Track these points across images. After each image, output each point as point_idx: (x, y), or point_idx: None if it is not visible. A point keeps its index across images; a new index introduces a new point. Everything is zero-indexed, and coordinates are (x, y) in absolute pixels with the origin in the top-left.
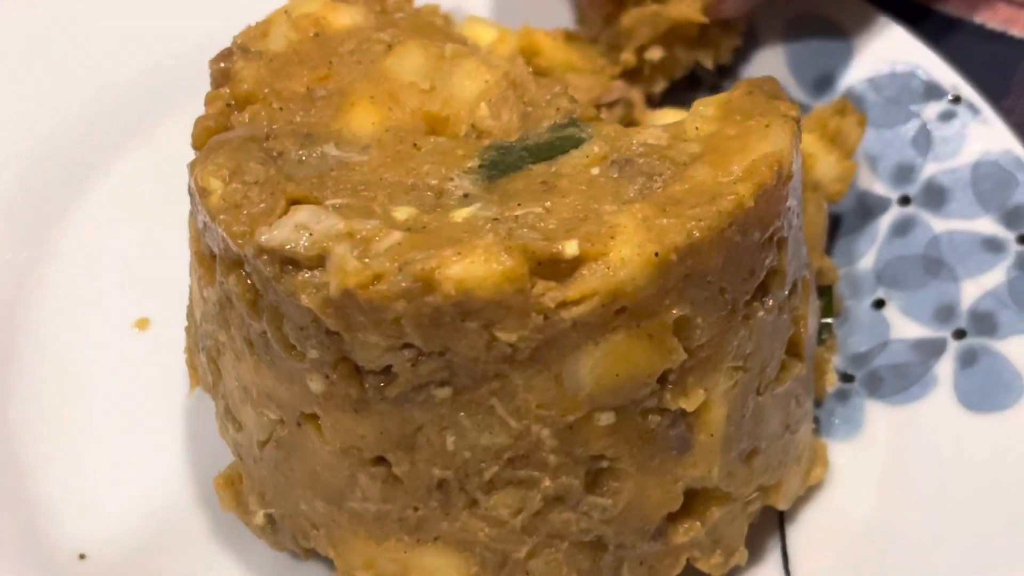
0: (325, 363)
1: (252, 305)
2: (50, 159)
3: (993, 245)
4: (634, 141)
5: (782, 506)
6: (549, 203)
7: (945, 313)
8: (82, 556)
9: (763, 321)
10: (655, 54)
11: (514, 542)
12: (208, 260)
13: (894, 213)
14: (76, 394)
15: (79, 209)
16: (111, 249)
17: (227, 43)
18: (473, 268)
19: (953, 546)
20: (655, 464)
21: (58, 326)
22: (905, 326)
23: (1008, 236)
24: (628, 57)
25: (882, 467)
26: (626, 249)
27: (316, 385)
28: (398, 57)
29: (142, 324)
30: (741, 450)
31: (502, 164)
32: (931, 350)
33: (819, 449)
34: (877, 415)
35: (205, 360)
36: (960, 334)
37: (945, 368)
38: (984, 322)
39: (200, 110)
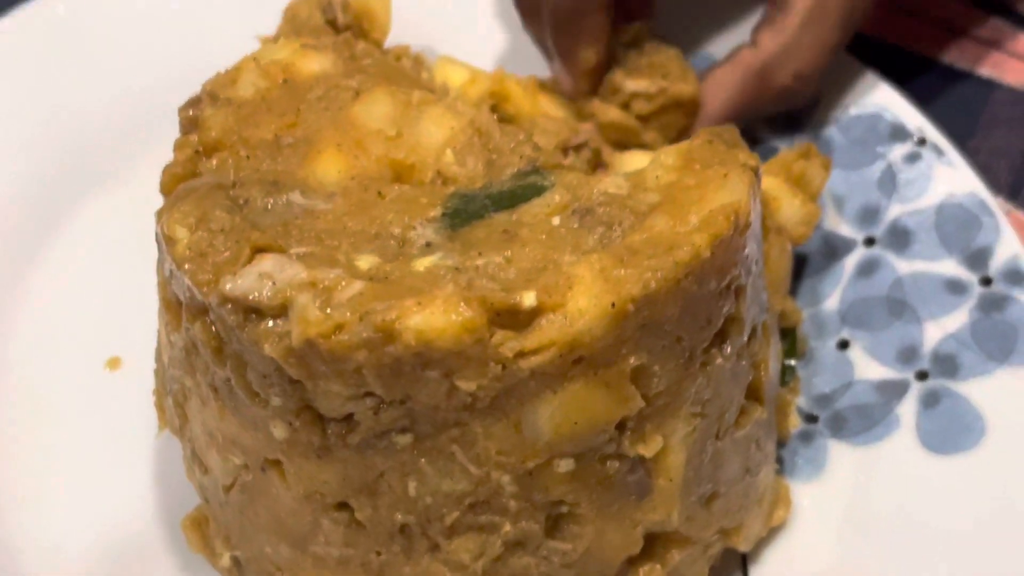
0: (288, 410)
1: (217, 352)
2: (22, 200)
3: (956, 287)
4: (595, 190)
5: (743, 548)
6: (509, 252)
7: (908, 354)
8: None
9: (721, 368)
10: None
11: None
12: (175, 306)
13: (859, 254)
14: (45, 432)
15: (52, 249)
16: (84, 289)
17: (193, 88)
18: (432, 319)
19: None
20: (614, 509)
21: (29, 364)
22: (869, 367)
23: (971, 278)
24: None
25: (845, 508)
26: (583, 300)
27: (279, 432)
28: (365, 104)
29: (113, 363)
30: (701, 494)
31: (464, 212)
32: (894, 391)
33: (782, 490)
34: (841, 456)
35: (172, 403)
36: (922, 375)
37: (908, 409)
38: (946, 364)
39: (162, 158)
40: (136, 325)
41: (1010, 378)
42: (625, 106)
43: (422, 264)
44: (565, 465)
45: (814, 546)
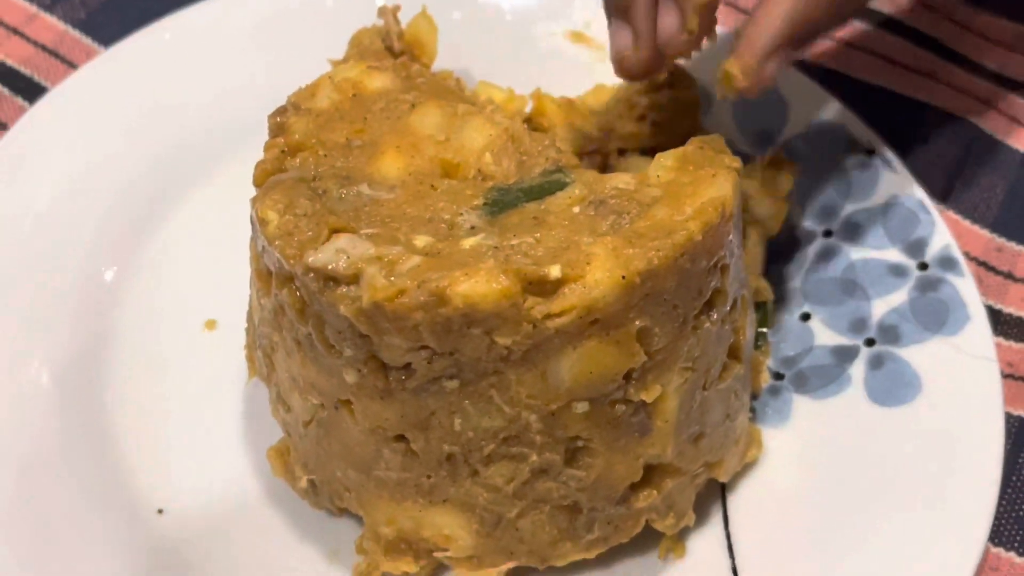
0: (358, 360)
1: (300, 313)
2: (141, 188)
3: (898, 271)
4: (607, 185)
5: (723, 479)
6: (539, 234)
7: (859, 325)
8: (160, 511)
9: (708, 331)
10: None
11: (507, 505)
12: (265, 276)
13: (819, 244)
14: (156, 381)
15: (158, 233)
16: (185, 265)
17: (280, 100)
18: (477, 286)
19: (858, 512)
20: (621, 444)
21: (142, 326)
22: (826, 335)
23: (910, 263)
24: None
25: (804, 448)
26: (599, 273)
27: (351, 377)
28: (419, 115)
29: (210, 325)
30: (690, 434)
31: (501, 202)
32: (846, 355)
33: (755, 434)
34: (802, 407)
35: (261, 355)
36: (870, 342)
37: (858, 370)
38: (889, 333)
39: (254, 156)
40: (227, 295)
41: (941, 345)
42: (641, 118)
43: (468, 243)
44: (581, 407)
45: (780, 479)
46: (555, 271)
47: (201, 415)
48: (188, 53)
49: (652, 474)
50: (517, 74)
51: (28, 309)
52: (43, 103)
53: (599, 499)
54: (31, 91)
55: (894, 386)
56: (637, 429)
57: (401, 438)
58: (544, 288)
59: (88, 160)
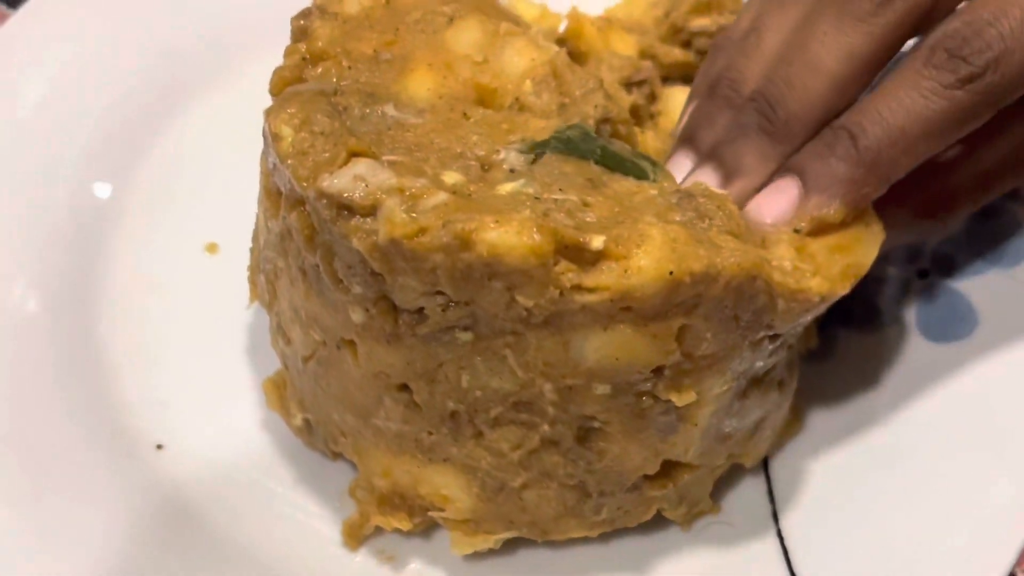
0: (367, 298)
1: (309, 240)
2: (136, 96)
3: None
4: (703, 186)
5: (749, 464)
6: (591, 199)
7: (912, 255)
8: (159, 446)
9: (765, 349)
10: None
11: (511, 473)
12: (275, 196)
13: None
14: (154, 304)
15: (158, 143)
16: (187, 180)
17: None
18: (506, 237)
19: (910, 456)
20: (640, 436)
21: (139, 248)
22: (877, 265)
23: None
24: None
25: (850, 387)
26: (645, 260)
27: (357, 316)
28: (457, 30)
29: (211, 248)
30: (717, 437)
31: (575, 146)
32: (899, 288)
33: (795, 409)
34: (850, 343)
35: (264, 281)
36: (923, 273)
37: (910, 303)
38: (944, 263)
39: (275, 61)
40: (230, 215)
41: (999, 277)
42: (686, 44)
43: (505, 188)
44: (602, 389)
45: (824, 422)
46: (598, 241)
47: (200, 345)
48: None
49: (670, 468)
50: None
51: (12, 227)
52: (31, 4)
53: (609, 484)
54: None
55: (949, 320)
56: (662, 427)
57: (404, 388)
58: (582, 256)
59: (81, 62)
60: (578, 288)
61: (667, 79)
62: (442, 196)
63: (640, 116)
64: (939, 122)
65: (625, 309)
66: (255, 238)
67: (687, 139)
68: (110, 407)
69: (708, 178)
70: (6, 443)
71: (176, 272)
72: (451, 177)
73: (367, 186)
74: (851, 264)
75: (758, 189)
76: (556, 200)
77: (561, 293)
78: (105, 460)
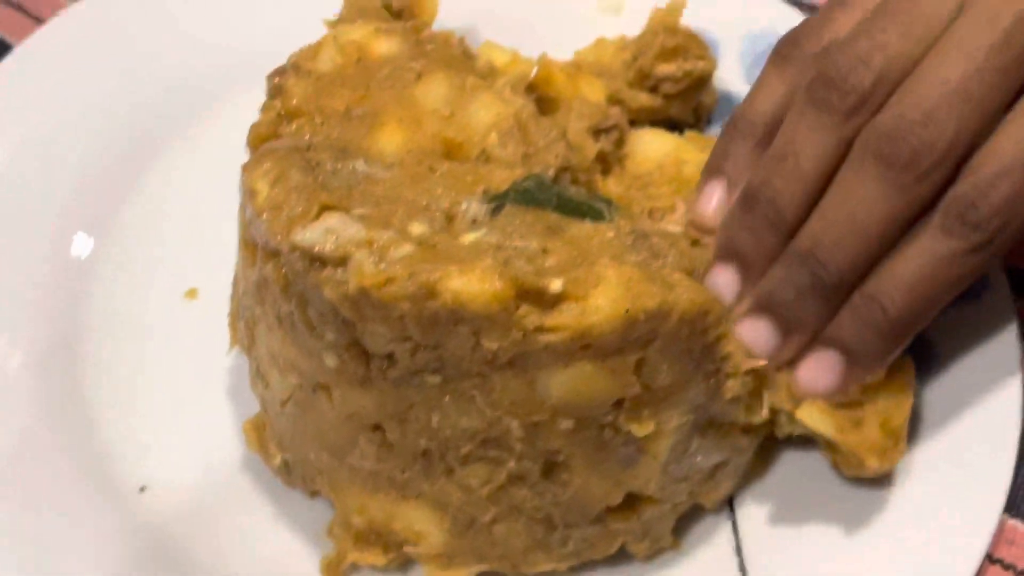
0: (339, 345)
1: (284, 290)
2: (115, 149)
3: None
4: (656, 226)
5: (710, 507)
6: (550, 245)
7: None
8: (142, 488)
9: (722, 383)
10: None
11: (481, 508)
12: (252, 246)
13: None
14: (136, 351)
15: (137, 194)
16: (166, 229)
17: (269, 55)
18: (469, 284)
19: (879, 490)
20: (603, 468)
21: (121, 293)
22: None
23: None
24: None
25: None
26: (602, 299)
27: (330, 361)
28: (425, 85)
29: (191, 293)
30: (677, 475)
31: (531, 196)
32: None
33: (761, 454)
34: None
35: (243, 327)
36: None
37: None
38: None
39: (242, 114)
40: (209, 262)
41: (956, 308)
42: (653, 89)
43: (467, 238)
44: (566, 424)
45: (793, 467)
46: (556, 285)
47: (182, 388)
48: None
49: (632, 500)
50: (525, 33)
51: None
52: (6, 63)
53: (573, 515)
54: None
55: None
56: (623, 459)
57: (378, 428)
58: (542, 299)
59: (59, 117)
60: (540, 329)
61: (634, 123)
62: (408, 247)
63: (608, 161)
64: (956, 282)
65: (585, 347)
66: (235, 285)
67: (731, 253)
68: (93, 451)
69: (765, 330)
70: None
71: (157, 318)
72: (417, 228)
73: (337, 239)
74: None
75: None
76: (516, 247)
77: (524, 335)
78: (89, 503)
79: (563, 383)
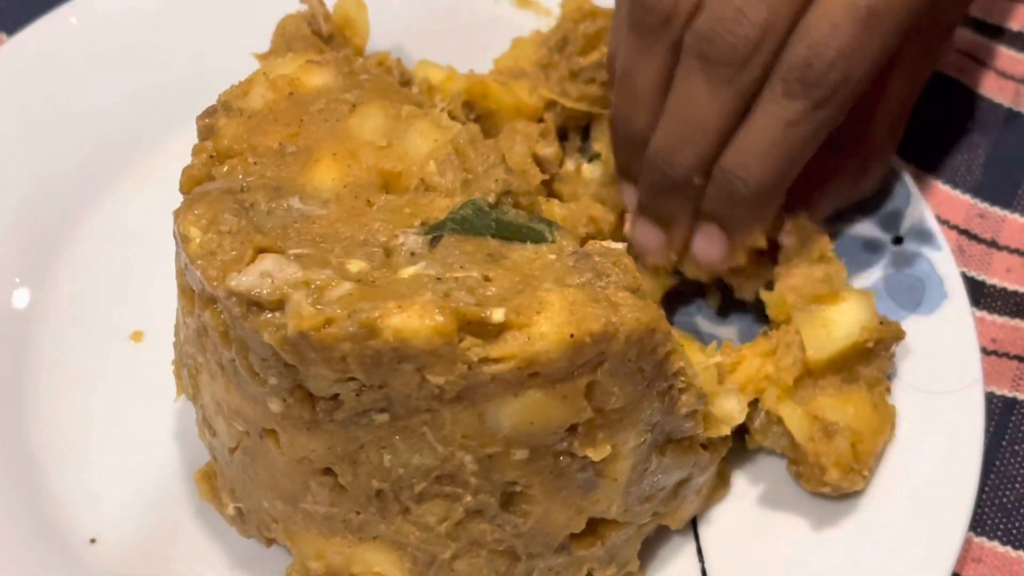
0: (283, 389)
1: (224, 336)
2: (58, 187)
3: (872, 246)
4: (599, 244)
5: (675, 527)
6: (491, 274)
7: None
8: (92, 540)
9: (676, 399)
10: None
11: (440, 545)
12: (189, 293)
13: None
14: (80, 397)
15: (83, 233)
16: (109, 270)
17: (199, 91)
18: (410, 321)
19: (831, 504)
20: (562, 495)
21: (63, 337)
22: None
23: (885, 237)
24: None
25: None
26: (546, 325)
27: (275, 407)
28: (360, 117)
29: (137, 336)
30: (640, 494)
31: (469, 224)
32: None
33: (722, 474)
34: None
35: (187, 375)
36: None
37: None
38: None
39: (175, 153)
40: (155, 303)
41: (917, 324)
42: (591, 80)
43: (406, 272)
44: (520, 454)
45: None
46: (498, 315)
47: (132, 435)
48: (98, 40)
49: (596, 525)
50: (459, 48)
51: None
52: None
53: (537, 545)
54: None
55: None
56: (582, 484)
57: (329, 471)
58: (485, 330)
59: None
60: (485, 360)
61: (573, 119)
62: (347, 286)
63: (552, 186)
64: (808, 141)
65: (533, 375)
66: (176, 332)
67: (623, 173)
68: (42, 503)
69: (647, 230)
70: None
71: (102, 363)
72: (355, 265)
73: (273, 282)
74: None
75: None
76: (457, 278)
77: (469, 367)
78: (38, 556)
79: (514, 413)
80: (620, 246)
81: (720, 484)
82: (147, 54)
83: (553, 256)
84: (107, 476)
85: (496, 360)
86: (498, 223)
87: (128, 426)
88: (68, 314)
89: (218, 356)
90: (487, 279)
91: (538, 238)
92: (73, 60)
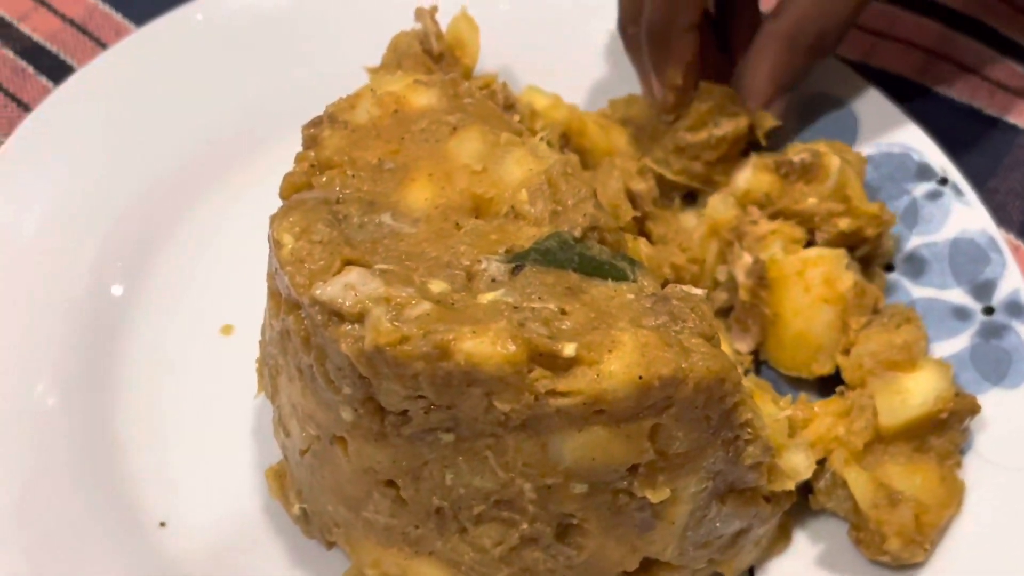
0: (355, 399)
1: (304, 342)
2: (163, 181)
3: (961, 314)
4: (679, 288)
5: (730, 575)
6: (568, 308)
7: None
8: (162, 524)
9: (741, 450)
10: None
11: (493, 568)
12: (277, 296)
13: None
14: (166, 387)
15: (182, 229)
16: (208, 265)
17: (308, 102)
18: (482, 347)
19: None
20: (618, 532)
21: (157, 326)
22: None
23: (975, 307)
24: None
25: None
26: (616, 365)
27: (347, 415)
28: (460, 140)
29: (227, 330)
30: (697, 541)
31: (552, 256)
32: None
33: (784, 528)
34: None
35: (268, 374)
36: None
37: None
38: None
39: (281, 157)
40: (247, 300)
41: (999, 397)
42: (695, 157)
43: (486, 298)
44: (579, 488)
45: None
46: (569, 349)
47: (210, 426)
48: (220, 40)
49: (650, 566)
50: (568, 76)
51: (38, 329)
52: (61, 91)
53: None
54: (56, 70)
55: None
56: (639, 524)
57: (392, 484)
58: (555, 363)
59: (105, 156)
60: (552, 393)
61: (669, 188)
62: (426, 306)
63: (644, 224)
64: None
65: (598, 412)
66: (263, 332)
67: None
68: (119, 483)
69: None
70: (18, 517)
71: (191, 353)
72: (437, 286)
73: (356, 295)
74: None
75: None
76: (534, 309)
77: (536, 398)
78: (109, 534)
79: (576, 447)
80: (700, 292)
81: (781, 537)
82: (265, 57)
83: (632, 296)
84: (183, 463)
85: (563, 394)
86: (581, 257)
87: (209, 417)
88: (164, 304)
89: (298, 360)
90: (563, 312)
91: (620, 276)
92: (195, 57)
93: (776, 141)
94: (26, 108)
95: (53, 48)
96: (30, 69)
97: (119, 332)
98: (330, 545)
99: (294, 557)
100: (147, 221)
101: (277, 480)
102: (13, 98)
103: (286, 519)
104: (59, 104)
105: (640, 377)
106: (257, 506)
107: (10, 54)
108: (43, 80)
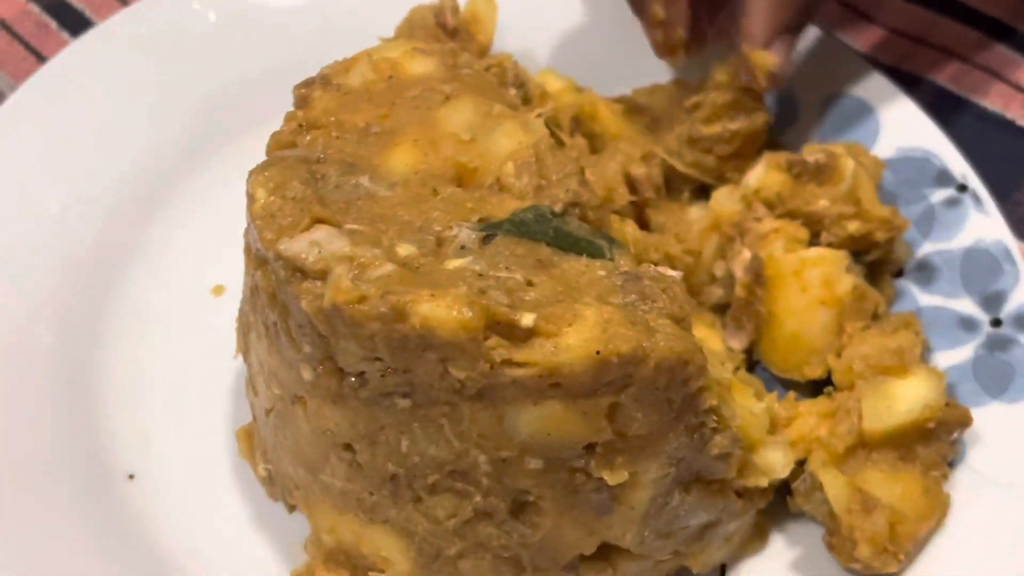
0: (315, 358)
1: (271, 298)
2: (163, 146)
3: (968, 324)
4: (652, 268)
5: (697, 570)
6: (536, 279)
7: None
8: (131, 476)
9: (706, 438)
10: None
11: (446, 541)
12: (249, 251)
13: None
14: (151, 340)
15: (182, 190)
16: (200, 228)
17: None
18: (438, 311)
19: None
20: (574, 514)
21: (148, 286)
22: None
23: (983, 317)
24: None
25: None
26: (574, 338)
27: (306, 374)
28: (451, 109)
29: (218, 291)
30: (659, 529)
31: (526, 228)
32: None
33: (761, 528)
34: None
35: (241, 331)
36: None
37: None
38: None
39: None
40: (242, 260)
41: (997, 411)
42: (708, 151)
43: (452, 264)
44: (535, 463)
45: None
46: (527, 319)
47: (190, 384)
48: (221, 23)
49: (608, 551)
50: (589, 63)
51: (36, 274)
52: (74, 46)
53: (544, 560)
54: (80, 27)
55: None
56: (596, 506)
57: (349, 447)
58: (512, 332)
59: (111, 113)
60: (508, 362)
61: (680, 180)
62: (388, 267)
63: (644, 210)
64: None
65: (554, 385)
66: (243, 290)
67: None
68: (92, 433)
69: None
70: None
71: (178, 311)
72: (405, 249)
73: (320, 252)
74: None
75: None
76: (499, 278)
77: (492, 367)
78: (75, 482)
79: (531, 421)
80: (675, 273)
81: (756, 536)
82: (278, 29)
83: (603, 272)
84: (159, 419)
85: (519, 364)
86: (557, 232)
87: (189, 375)
88: (158, 263)
89: (264, 317)
90: (530, 283)
91: (596, 253)
92: (208, 21)
93: (795, 141)
94: (44, 60)
95: (78, 5)
96: (53, 24)
97: (111, 286)
98: (291, 508)
99: (259, 520)
100: (152, 176)
101: (247, 440)
102: (34, 51)
103: (254, 480)
104: (71, 58)
105: (598, 352)
106: (227, 465)
107: (35, 8)
108: (65, 35)
